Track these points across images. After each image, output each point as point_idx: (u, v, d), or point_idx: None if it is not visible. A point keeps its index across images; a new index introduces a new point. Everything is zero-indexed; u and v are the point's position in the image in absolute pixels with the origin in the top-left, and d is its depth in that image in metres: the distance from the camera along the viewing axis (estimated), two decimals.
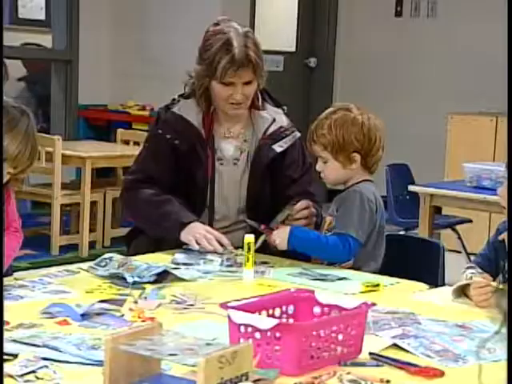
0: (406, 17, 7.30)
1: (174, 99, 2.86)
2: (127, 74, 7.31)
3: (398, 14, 7.35)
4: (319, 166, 2.62)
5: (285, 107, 2.93)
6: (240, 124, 2.84)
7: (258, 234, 2.56)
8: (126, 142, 6.12)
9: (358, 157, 2.56)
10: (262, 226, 2.61)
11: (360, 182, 2.59)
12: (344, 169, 2.57)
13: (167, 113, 2.80)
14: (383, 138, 2.59)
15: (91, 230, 5.63)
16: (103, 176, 6.16)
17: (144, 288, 2.22)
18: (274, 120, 2.82)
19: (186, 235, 2.65)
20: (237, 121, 2.83)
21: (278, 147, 2.80)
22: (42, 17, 8.19)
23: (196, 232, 2.64)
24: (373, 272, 2.54)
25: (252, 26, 7.15)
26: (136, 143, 6.05)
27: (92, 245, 5.63)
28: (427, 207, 4.56)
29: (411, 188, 4.68)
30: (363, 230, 2.53)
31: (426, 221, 4.56)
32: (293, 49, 7.70)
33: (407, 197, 5.02)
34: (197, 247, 2.61)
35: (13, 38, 7.32)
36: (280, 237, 2.55)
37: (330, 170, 2.58)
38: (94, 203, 5.67)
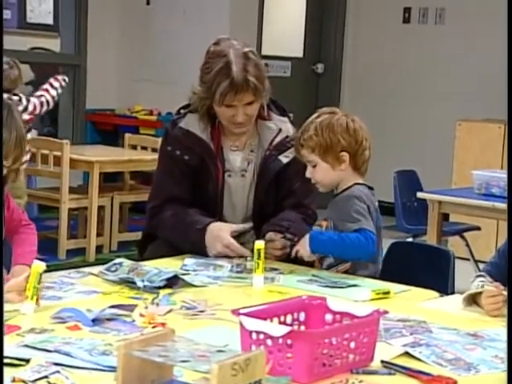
0: (414, 24, 7.29)
1: (179, 111, 2.86)
2: (134, 78, 7.32)
3: (406, 20, 7.34)
4: (309, 172, 2.61)
5: (291, 115, 2.92)
6: (246, 135, 2.84)
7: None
8: (134, 147, 6.13)
9: (346, 156, 2.57)
10: (296, 239, 2.61)
11: (351, 186, 2.59)
12: (334, 170, 2.58)
13: (174, 129, 2.80)
14: (369, 139, 2.61)
15: (98, 235, 5.64)
16: (111, 181, 6.16)
17: (158, 293, 2.23)
18: (280, 130, 2.82)
19: (209, 244, 2.66)
20: (242, 134, 2.83)
21: (284, 158, 2.80)
22: (50, 21, 8.21)
23: (214, 249, 2.65)
24: (372, 275, 2.54)
25: (260, 31, 7.16)
26: (143, 148, 6.06)
27: (99, 249, 5.64)
28: (435, 214, 4.56)
29: (419, 195, 4.67)
30: (370, 222, 2.53)
31: (434, 228, 4.55)
32: (300, 54, 7.70)
33: (415, 203, 5.01)
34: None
35: (21, 43, 7.34)
36: (301, 245, 2.55)
37: (320, 173, 2.59)
38: (101, 208, 5.68)
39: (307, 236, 2.55)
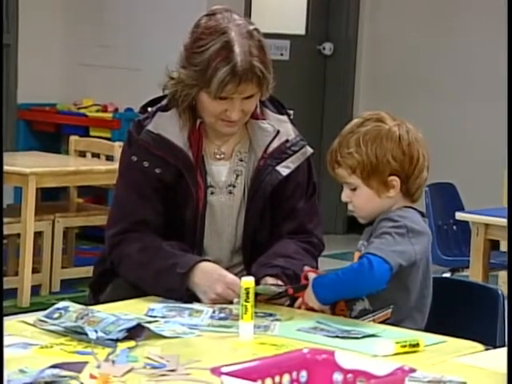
0: None
1: (145, 108, 2.88)
2: (83, 62, 7.35)
3: None
4: (346, 195, 2.63)
5: (291, 112, 2.95)
6: (234, 139, 2.87)
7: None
8: (82, 154, 6.16)
9: (396, 181, 2.58)
10: (290, 290, 2.62)
11: (399, 208, 2.61)
12: (379, 197, 2.60)
13: (141, 133, 2.81)
14: (427, 155, 2.63)
15: (35, 271, 5.64)
16: (51, 199, 6.18)
17: (115, 346, 2.25)
18: (278, 132, 2.85)
19: (204, 286, 2.68)
20: (229, 136, 2.87)
21: (284, 169, 2.83)
22: None
23: (212, 291, 2.65)
24: (418, 329, 2.56)
25: (248, 1, 7.21)
26: (95, 155, 6.08)
27: (36, 290, 5.63)
28: (481, 241, 4.59)
29: (459, 215, 4.71)
30: (388, 251, 2.50)
31: (479, 259, 4.59)
32: (302, 31, 7.76)
33: (454, 227, 5.05)
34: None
35: None
36: (308, 298, 2.57)
37: (361, 199, 2.60)
38: (38, 234, 5.69)
39: (310, 285, 2.58)
